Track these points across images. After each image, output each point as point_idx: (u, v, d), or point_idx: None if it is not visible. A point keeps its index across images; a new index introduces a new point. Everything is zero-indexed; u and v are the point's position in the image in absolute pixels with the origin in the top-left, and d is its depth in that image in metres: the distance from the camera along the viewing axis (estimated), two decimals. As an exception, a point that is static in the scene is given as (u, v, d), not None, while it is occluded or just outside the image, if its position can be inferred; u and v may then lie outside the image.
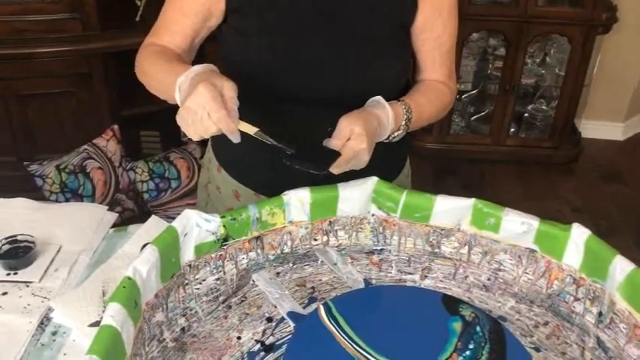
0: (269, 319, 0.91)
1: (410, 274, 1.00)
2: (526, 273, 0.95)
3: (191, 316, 0.89)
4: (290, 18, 1.03)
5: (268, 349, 0.86)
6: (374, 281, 0.98)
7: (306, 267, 0.99)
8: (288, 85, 1.05)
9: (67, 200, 2.33)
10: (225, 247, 0.92)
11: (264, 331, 0.89)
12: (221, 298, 0.92)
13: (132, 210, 2.47)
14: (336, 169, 0.93)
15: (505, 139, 3.14)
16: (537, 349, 0.89)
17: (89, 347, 0.68)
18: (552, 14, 2.84)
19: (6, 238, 1.12)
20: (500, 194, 2.87)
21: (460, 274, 0.99)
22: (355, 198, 0.97)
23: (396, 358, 0.80)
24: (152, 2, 2.40)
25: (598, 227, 2.67)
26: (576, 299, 0.91)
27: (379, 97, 1.02)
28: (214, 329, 0.89)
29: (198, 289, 0.90)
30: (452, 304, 0.90)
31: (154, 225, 1.20)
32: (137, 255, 1.06)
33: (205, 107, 0.83)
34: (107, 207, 1.31)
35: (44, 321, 1.01)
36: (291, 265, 0.98)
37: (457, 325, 0.85)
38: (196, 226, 0.88)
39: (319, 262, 1.00)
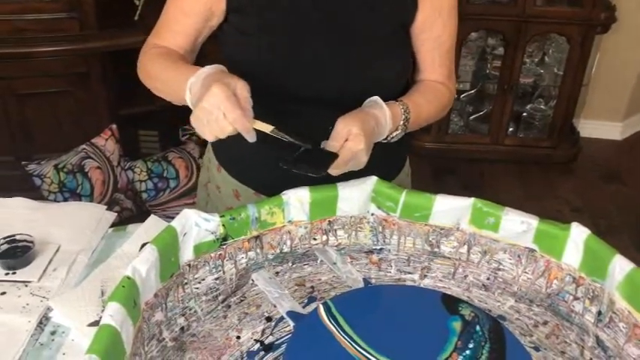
0: (268, 319, 0.91)
1: (409, 273, 1.00)
2: (525, 272, 0.95)
3: (190, 315, 0.89)
4: (290, 18, 1.03)
5: (268, 348, 0.86)
6: (373, 281, 0.98)
7: (306, 266, 0.99)
8: (288, 84, 1.05)
9: (65, 200, 2.32)
10: (224, 247, 0.92)
11: (263, 331, 0.89)
12: (220, 298, 0.92)
13: (130, 209, 2.47)
14: (334, 170, 0.93)
15: (504, 138, 3.14)
16: (537, 349, 0.89)
17: (89, 347, 0.68)
18: (551, 14, 2.84)
19: (4, 238, 1.11)
20: (500, 194, 2.87)
21: (459, 273, 0.99)
22: (355, 197, 0.97)
23: (396, 358, 0.80)
24: (151, 1, 2.40)
25: (597, 227, 2.68)
26: (576, 298, 0.91)
27: (376, 98, 1.01)
28: (214, 329, 0.89)
29: (197, 288, 0.90)
30: (451, 303, 0.90)
31: (153, 224, 1.20)
32: (136, 254, 1.06)
33: (220, 107, 0.84)
34: (106, 206, 1.31)
35: (43, 321, 1.01)
36: (290, 264, 0.98)
37: (457, 325, 0.85)
38: (195, 225, 0.88)
39: (318, 261, 1.00)
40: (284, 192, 0.95)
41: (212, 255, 0.91)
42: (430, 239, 0.99)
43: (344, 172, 0.95)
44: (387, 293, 0.95)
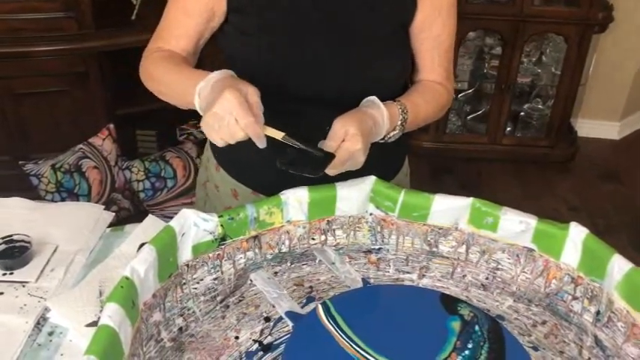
0: (267, 319, 0.90)
1: (408, 273, 1.00)
2: (524, 272, 0.95)
3: (189, 315, 0.88)
4: (290, 18, 1.03)
5: (266, 348, 0.86)
6: (372, 280, 0.98)
7: (304, 266, 0.99)
8: (288, 84, 1.04)
9: (62, 199, 2.32)
10: (222, 247, 0.91)
11: (262, 331, 0.89)
12: (219, 298, 0.92)
13: (128, 209, 2.47)
14: (331, 170, 0.92)
15: (501, 138, 3.15)
16: (535, 348, 0.89)
17: (87, 347, 0.68)
18: (548, 13, 2.85)
19: (2, 238, 1.11)
20: (497, 193, 2.88)
21: (458, 273, 0.99)
22: (353, 197, 0.97)
23: (395, 358, 0.80)
24: (148, 1, 2.40)
25: (595, 226, 2.68)
26: (574, 298, 0.91)
27: (374, 97, 1.01)
28: (212, 329, 0.89)
29: (195, 288, 0.90)
30: (450, 303, 0.90)
31: (151, 224, 1.19)
32: (134, 255, 1.06)
33: (233, 113, 0.84)
34: (103, 206, 1.30)
35: (41, 321, 1.00)
36: (289, 264, 0.98)
37: (456, 325, 0.85)
38: (194, 225, 0.87)
39: (317, 261, 0.99)
40: (282, 192, 0.95)
41: (210, 255, 0.91)
42: (429, 239, 0.99)
43: (341, 172, 0.95)
44: (386, 293, 0.95)
